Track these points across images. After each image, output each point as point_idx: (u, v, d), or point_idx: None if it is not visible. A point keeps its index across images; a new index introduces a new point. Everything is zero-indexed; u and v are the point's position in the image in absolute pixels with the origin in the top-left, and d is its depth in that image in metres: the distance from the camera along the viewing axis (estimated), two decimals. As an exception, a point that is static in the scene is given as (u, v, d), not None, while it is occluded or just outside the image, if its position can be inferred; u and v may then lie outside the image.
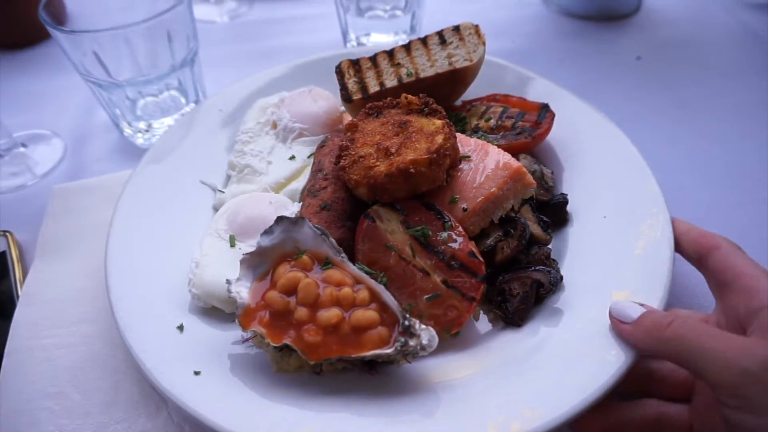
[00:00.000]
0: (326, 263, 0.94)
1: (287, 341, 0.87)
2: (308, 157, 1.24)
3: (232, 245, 1.05)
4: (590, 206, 1.12)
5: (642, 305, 0.88)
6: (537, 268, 0.99)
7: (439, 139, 1.00)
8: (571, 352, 0.89)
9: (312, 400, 0.87)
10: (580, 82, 1.65)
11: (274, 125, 1.30)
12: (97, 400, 0.94)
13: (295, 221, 0.96)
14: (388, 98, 1.12)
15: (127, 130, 1.46)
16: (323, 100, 1.31)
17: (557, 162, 1.21)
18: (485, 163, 1.06)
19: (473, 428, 0.81)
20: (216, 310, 1.00)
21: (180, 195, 1.18)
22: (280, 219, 0.96)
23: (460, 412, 0.84)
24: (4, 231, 1.23)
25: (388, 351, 0.86)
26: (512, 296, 0.97)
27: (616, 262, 1.00)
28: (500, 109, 1.25)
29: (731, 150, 1.44)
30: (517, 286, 0.98)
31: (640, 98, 1.61)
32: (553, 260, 1.03)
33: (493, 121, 1.22)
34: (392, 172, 0.98)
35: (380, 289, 0.91)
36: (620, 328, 0.87)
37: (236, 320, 0.91)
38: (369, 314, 0.88)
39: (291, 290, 0.91)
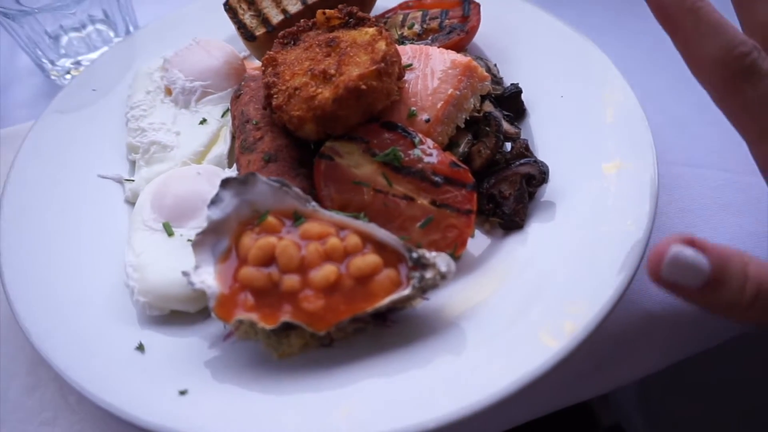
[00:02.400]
0: (297, 218, 0.78)
1: (286, 318, 0.71)
2: (222, 116, 1.05)
3: (170, 234, 0.85)
4: (543, 91, 1.04)
5: (697, 248, 0.53)
6: (521, 162, 0.90)
7: (381, 45, 0.86)
8: (587, 238, 0.82)
9: (332, 378, 0.72)
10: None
11: (168, 91, 1.08)
12: (24, 359, 0.81)
13: (245, 180, 0.78)
14: (302, 20, 0.96)
15: (54, 73, 1.25)
16: (217, 49, 1.11)
17: (493, 55, 1.12)
18: (431, 66, 0.94)
19: (522, 343, 0.71)
20: (175, 314, 0.81)
21: (78, 194, 0.95)
22: (227, 182, 0.78)
23: (497, 333, 0.74)
24: None
25: (406, 292, 0.73)
26: (505, 198, 0.88)
27: (591, 135, 0.94)
28: (419, 13, 1.13)
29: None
30: (506, 186, 0.89)
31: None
32: (531, 151, 0.95)
33: (417, 26, 1.10)
34: (341, 95, 0.83)
35: (370, 227, 0.77)
36: (711, 305, 0.54)
37: (212, 315, 0.73)
38: (369, 258, 0.74)
39: (267, 260, 0.74)
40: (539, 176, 0.88)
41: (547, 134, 0.99)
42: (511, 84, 1.03)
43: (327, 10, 0.94)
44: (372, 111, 0.86)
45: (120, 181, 0.99)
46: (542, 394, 0.86)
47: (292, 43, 0.95)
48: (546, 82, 1.04)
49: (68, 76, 1.25)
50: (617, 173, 0.87)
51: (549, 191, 0.92)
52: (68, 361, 0.72)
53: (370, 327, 0.77)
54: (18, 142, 1.07)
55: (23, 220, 0.89)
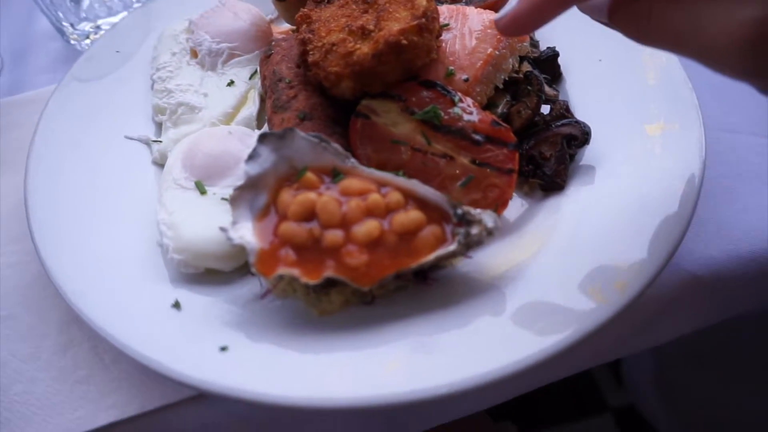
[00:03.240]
0: (336, 174, 0.76)
1: (329, 274, 0.69)
2: (249, 78, 1.02)
3: (203, 192, 0.83)
4: (580, 54, 1.01)
5: None
6: (562, 122, 0.87)
7: (422, 1, 0.84)
8: (632, 199, 0.79)
9: (374, 335, 0.71)
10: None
11: (194, 53, 1.06)
12: (54, 319, 0.79)
13: (283, 135, 0.76)
14: (335, -22, 0.93)
15: (73, 37, 1.22)
16: (244, 11, 1.08)
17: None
18: (469, 26, 0.92)
19: (573, 301, 0.69)
20: (210, 273, 0.79)
21: (105, 155, 0.93)
22: (264, 137, 0.76)
23: (545, 292, 0.72)
24: None
25: (452, 248, 0.71)
26: (545, 159, 0.86)
27: (632, 97, 0.92)
28: (451, -25, 1.10)
29: None
30: (547, 147, 0.86)
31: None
32: (570, 113, 0.92)
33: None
34: (380, 50, 0.80)
35: (412, 184, 0.75)
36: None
37: (252, 270, 0.71)
38: (412, 214, 0.72)
39: (308, 215, 0.72)
40: (581, 137, 0.86)
41: (585, 97, 0.96)
42: (548, 47, 1.01)
43: (362, -33, 0.91)
44: (412, 68, 0.84)
45: (147, 142, 0.96)
46: (582, 353, 0.84)
47: (326, 1, 0.92)
48: (583, 45, 1.01)
49: (88, 41, 1.23)
50: (662, 134, 0.85)
51: (588, 154, 0.89)
52: (105, 319, 0.70)
53: (410, 285, 0.76)
54: (36, 106, 1.06)
55: (51, 182, 0.87)
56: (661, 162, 0.82)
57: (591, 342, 0.66)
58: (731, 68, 0.53)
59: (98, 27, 1.22)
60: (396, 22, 0.82)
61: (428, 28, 0.83)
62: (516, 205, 0.86)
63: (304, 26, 0.88)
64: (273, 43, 0.97)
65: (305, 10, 0.90)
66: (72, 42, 1.24)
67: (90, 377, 0.75)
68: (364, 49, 0.81)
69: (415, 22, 0.81)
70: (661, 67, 0.93)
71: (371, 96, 0.85)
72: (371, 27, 0.83)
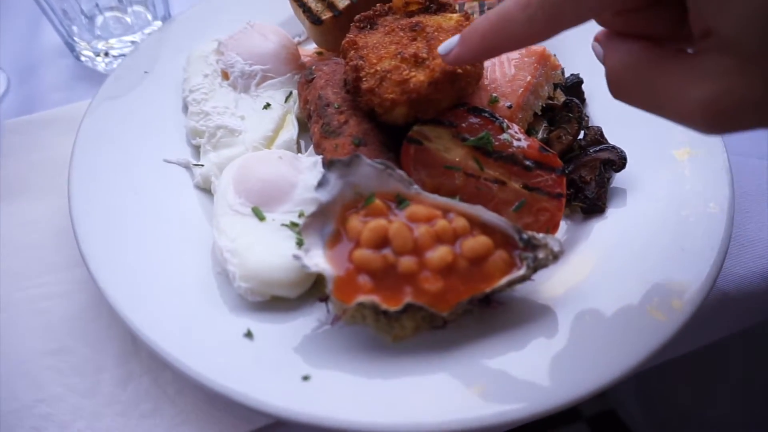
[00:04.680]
0: (400, 201, 0.78)
1: (408, 300, 0.71)
2: (285, 101, 1.02)
3: (261, 218, 0.82)
4: (601, 80, 1.06)
5: None
6: (599, 148, 0.92)
7: (472, 30, 0.87)
8: (671, 221, 0.85)
9: (451, 359, 0.72)
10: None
11: (225, 75, 1.05)
12: (110, 352, 0.77)
13: (349, 162, 0.77)
14: (377, 5, 0.95)
15: (86, 53, 1.18)
16: (273, 34, 1.08)
17: (549, 46, 1.14)
18: (506, 54, 0.96)
19: (633, 321, 0.73)
20: (275, 300, 0.78)
21: (147, 180, 0.91)
22: (333, 163, 0.76)
23: (605, 312, 0.76)
24: None
25: (522, 272, 0.74)
26: (586, 183, 0.90)
27: (656, 123, 0.96)
28: (476, 3, 1.14)
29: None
30: (587, 172, 0.91)
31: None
32: (603, 138, 0.97)
33: (476, 16, 1.11)
34: (436, 78, 0.83)
35: (476, 210, 0.77)
36: None
37: (330, 298, 0.71)
38: (481, 239, 0.75)
39: (381, 242, 0.74)
40: (618, 161, 0.91)
41: (610, 123, 1.01)
42: (571, 74, 1.06)
43: (406, -5, 0.93)
44: (464, 95, 0.87)
45: (187, 165, 0.95)
46: None
47: (369, 27, 0.93)
48: (603, 72, 1.07)
49: (99, 59, 1.19)
50: (689, 159, 0.91)
51: (620, 177, 0.94)
52: (180, 351, 0.69)
53: (476, 309, 0.78)
54: (60, 125, 1.03)
55: (97, 209, 0.84)
56: (693, 185, 0.88)
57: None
58: (702, 132, 0.57)
59: (111, 46, 1.19)
60: (449, 52, 0.85)
61: (479, 57, 0.86)
62: (563, 230, 0.90)
63: (353, 52, 0.90)
64: (313, 67, 0.98)
65: (351, 36, 0.92)
66: (82, 59, 1.20)
67: (155, 410, 0.73)
68: (420, 77, 0.84)
69: (469, 53, 0.84)
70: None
71: (422, 122, 0.87)
72: (424, 55, 0.86)
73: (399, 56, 0.86)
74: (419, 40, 0.89)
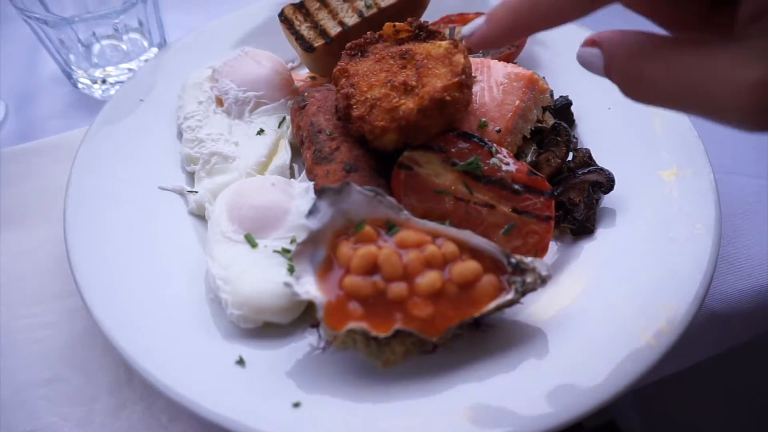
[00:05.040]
0: (391, 227, 0.79)
1: (398, 326, 0.71)
2: (278, 126, 1.04)
3: (254, 245, 0.84)
4: (590, 102, 1.09)
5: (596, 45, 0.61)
6: (587, 170, 0.94)
7: (460, 58, 0.89)
8: (659, 242, 0.86)
9: (441, 383, 0.73)
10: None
11: (219, 101, 1.07)
12: (104, 381, 0.78)
13: (340, 190, 0.78)
14: (368, 33, 0.97)
15: (83, 80, 1.20)
16: (266, 60, 1.10)
17: (538, 69, 1.16)
18: (495, 79, 0.97)
19: (622, 342, 0.74)
20: (267, 327, 0.79)
21: (142, 207, 0.92)
22: (323, 191, 0.78)
23: (595, 335, 0.77)
24: None
25: (510, 296, 0.75)
26: (575, 205, 0.91)
27: (644, 143, 0.99)
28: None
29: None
30: (576, 194, 0.92)
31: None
32: (591, 160, 0.99)
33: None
34: (426, 106, 0.84)
35: (465, 234, 0.79)
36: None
37: (321, 324, 0.72)
38: (470, 265, 0.76)
39: (371, 269, 0.75)
40: (606, 183, 0.92)
41: (599, 144, 1.03)
42: (560, 96, 1.08)
43: (396, 23, 0.95)
44: (452, 121, 0.88)
45: (182, 192, 0.96)
46: None
47: (359, 54, 0.95)
48: (591, 94, 1.08)
49: (96, 86, 1.21)
50: (677, 180, 0.93)
51: (609, 198, 0.96)
52: (173, 379, 0.70)
53: (466, 332, 0.79)
54: (57, 153, 1.05)
55: (92, 237, 0.86)
56: (680, 206, 0.89)
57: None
58: (743, 126, 0.53)
59: (108, 74, 1.21)
60: (437, 79, 0.87)
61: (467, 84, 0.88)
62: (552, 251, 0.91)
63: (344, 80, 0.91)
64: (306, 93, 1.00)
65: (342, 64, 0.93)
66: (80, 87, 1.22)
67: (149, 439, 0.74)
68: (409, 104, 0.85)
69: (456, 79, 0.86)
70: (666, 115, 1.01)
71: (413, 148, 0.89)
72: (413, 83, 0.87)
73: (389, 84, 0.88)
74: (409, 68, 0.90)
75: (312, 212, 0.77)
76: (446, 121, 0.87)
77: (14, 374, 0.77)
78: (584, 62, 0.64)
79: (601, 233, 0.92)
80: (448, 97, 0.85)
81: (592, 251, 0.89)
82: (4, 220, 0.94)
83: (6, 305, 0.84)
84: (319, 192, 0.78)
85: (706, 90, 0.51)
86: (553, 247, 0.92)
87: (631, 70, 0.57)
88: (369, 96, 0.88)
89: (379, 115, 0.86)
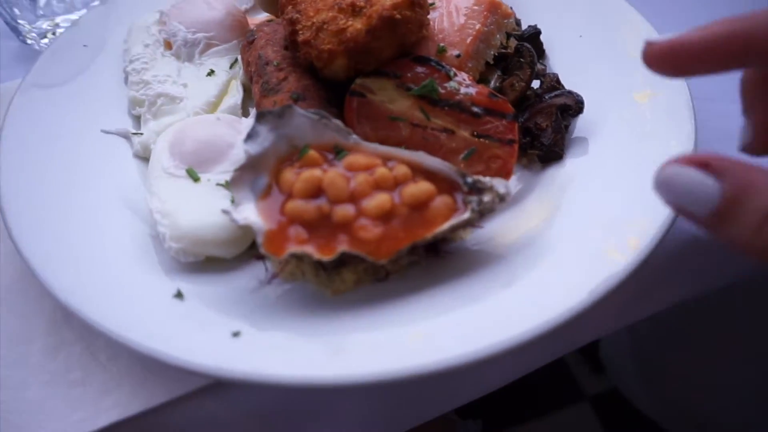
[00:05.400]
0: (339, 151, 0.74)
1: (343, 248, 0.66)
2: (230, 67, 0.99)
3: (196, 179, 0.79)
4: (560, 31, 1.03)
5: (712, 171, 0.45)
6: (555, 93, 0.88)
7: (411, -25, 0.83)
8: (631, 161, 0.80)
9: (389, 312, 0.68)
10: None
11: (168, 45, 1.01)
12: (40, 322, 0.74)
13: (281, 113, 0.73)
14: (317, -40, 0.91)
15: (31, 35, 1.15)
16: (218, 2, 1.05)
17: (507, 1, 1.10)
18: (455, 3, 0.92)
19: (589, 261, 0.69)
20: (210, 261, 0.74)
21: (82, 150, 0.87)
22: (262, 115, 0.73)
23: (560, 254, 0.71)
24: None
25: (466, 216, 0.69)
26: (542, 130, 0.86)
27: (617, 68, 0.93)
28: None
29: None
30: (542, 118, 0.87)
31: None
32: (560, 85, 0.93)
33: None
34: (374, 25, 0.79)
35: (418, 156, 0.73)
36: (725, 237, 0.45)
37: (261, 251, 0.67)
38: (422, 185, 0.71)
39: (315, 192, 0.70)
40: (575, 106, 0.87)
41: (569, 71, 0.97)
42: (529, 26, 1.02)
43: (345, -53, 0.89)
44: (405, 43, 0.83)
45: (126, 135, 0.91)
46: (590, 321, 0.84)
47: (309, -17, 0.90)
48: (562, 23, 1.03)
49: (45, 40, 1.16)
50: (650, 101, 0.87)
51: (581, 125, 0.90)
52: (103, 315, 0.65)
53: (423, 260, 0.74)
54: (3, 102, 0.99)
55: (25, 179, 0.81)
56: (654, 126, 0.83)
57: (598, 309, 0.66)
58: None
59: (57, 25, 1.16)
60: (386, -2, 0.81)
61: (419, 2, 0.82)
62: (516, 178, 0.85)
63: (290, 7, 0.86)
64: (254, 29, 0.94)
65: (290, -9, 0.88)
66: (29, 42, 1.17)
67: (86, 378, 0.69)
68: (357, 25, 0.80)
69: (405, -3, 0.80)
70: (641, 39, 0.95)
71: (365, 74, 0.83)
72: (362, 3, 0.81)
73: (336, 7, 0.82)
74: (357, -10, 0.85)
75: (251, 136, 0.72)
76: (398, 42, 0.82)
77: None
78: (678, 192, 0.46)
79: (572, 160, 0.86)
80: (398, 16, 0.79)
81: (560, 176, 0.84)
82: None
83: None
84: (258, 116, 0.73)
85: None
86: (521, 175, 0.87)
87: (746, 221, 0.43)
88: (315, 20, 0.82)
89: (325, 38, 0.81)
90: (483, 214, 0.70)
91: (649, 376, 1.72)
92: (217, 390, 0.69)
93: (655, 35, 0.92)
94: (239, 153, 0.81)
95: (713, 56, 0.49)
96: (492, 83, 0.90)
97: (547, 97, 0.88)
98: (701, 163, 0.45)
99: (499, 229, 0.78)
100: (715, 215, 0.44)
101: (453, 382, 0.81)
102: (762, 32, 0.47)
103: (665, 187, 0.47)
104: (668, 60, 0.51)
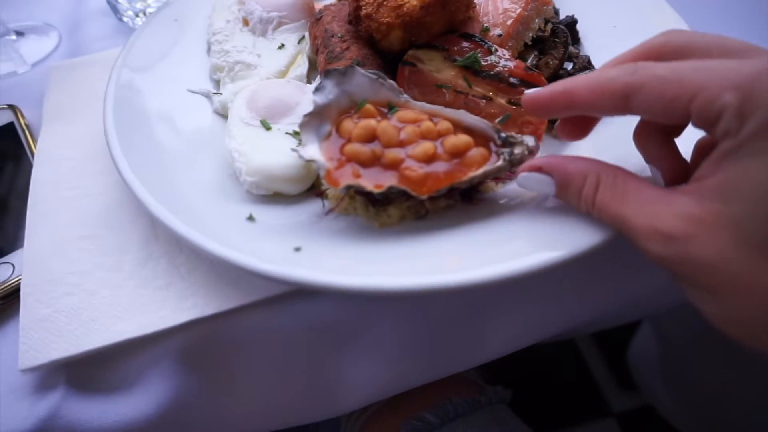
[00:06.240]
0: (391, 108, 0.86)
1: (392, 183, 0.78)
2: (298, 42, 1.13)
3: (268, 128, 0.92)
4: (596, 21, 1.13)
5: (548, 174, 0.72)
6: (584, 73, 0.98)
7: (462, -37, 0.95)
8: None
9: (428, 244, 0.79)
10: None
11: (245, 22, 1.16)
12: (134, 238, 0.87)
13: (344, 72, 0.86)
14: (381, -49, 1.04)
15: (127, 13, 1.33)
16: (290, -14, 1.19)
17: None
18: (499, -9, 1.03)
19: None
20: (277, 196, 0.87)
21: (174, 105, 1.02)
22: (329, 72, 0.85)
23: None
24: (10, 105, 1.13)
25: (499, 164, 0.80)
26: (572, 104, 0.96)
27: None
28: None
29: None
30: (573, 94, 0.97)
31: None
32: (591, 67, 1.03)
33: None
34: (428, 2, 0.91)
35: (459, 114, 0.85)
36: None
37: (322, 182, 0.80)
38: (462, 137, 0.82)
39: (370, 138, 0.82)
40: (603, 83, 0.96)
41: (602, 55, 1.07)
42: (567, 15, 1.12)
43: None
44: (454, 20, 0.94)
45: (208, 95, 1.06)
46: (596, 288, 0.92)
47: (372, -31, 1.03)
48: (598, 13, 1.13)
49: (138, 19, 1.33)
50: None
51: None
52: (188, 229, 0.78)
53: (458, 204, 0.85)
54: (100, 66, 1.15)
55: (128, 125, 0.94)
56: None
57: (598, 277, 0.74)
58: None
59: (148, 5, 1.33)
60: (441, -21, 0.93)
61: (468, -15, 0.94)
62: (546, 146, 0.95)
63: (355, -12, 0.99)
64: (322, 8, 1.08)
65: (355, -26, 1.01)
66: (125, 20, 1.34)
67: (169, 285, 0.82)
68: (413, 2, 0.92)
69: (458, -22, 0.92)
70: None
71: (417, 47, 0.95)
72: (418, -15, 0.94)
73: (395, -13, 0.95)
74: (415, -27, 0.97)
75: (318, 89, 0.85)
76: (448, 19, 0.94)
77: (55, 232, 0.87)
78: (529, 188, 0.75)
79: (597, 131, 0.96)
80: (448, -6, 0.91)
81: (584, 146, 0.93)
82: (46, 117, 1.05)
83: (49, 182, 0.94)
84: (326, 73, 0.85)
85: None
86: (551, 144, 0.97)
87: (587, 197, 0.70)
88: (378, -3, 0.95)
89: (385, 12, 0.93)
90: (513, 163, 0.81)
91: (678, 384, 1.73)
92: (278, 302, 0.81)
93: (684, 26, 1.02)
94: (305, 109, 0.94)
95: (554, 108, 0.72)
96: (529, 61, 1.01)
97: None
98: (536, 168, 0.73)
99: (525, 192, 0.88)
100: (557, 195, 0.73)
101: (480, 334, 0.90)
102: (580, 90, 0.68)
103: (524, 185, 0.75)
104: (528, 108, 0.74)
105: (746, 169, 0.53)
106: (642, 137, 0.74)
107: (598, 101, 0.66)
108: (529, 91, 0.73)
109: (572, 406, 2.24)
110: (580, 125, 0.81)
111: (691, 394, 1.66)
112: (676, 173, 0.70)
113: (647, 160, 0.74)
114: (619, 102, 0.63)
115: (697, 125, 0.59)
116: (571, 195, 0.70)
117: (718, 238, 0.54)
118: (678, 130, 0.72)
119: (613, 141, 0.89)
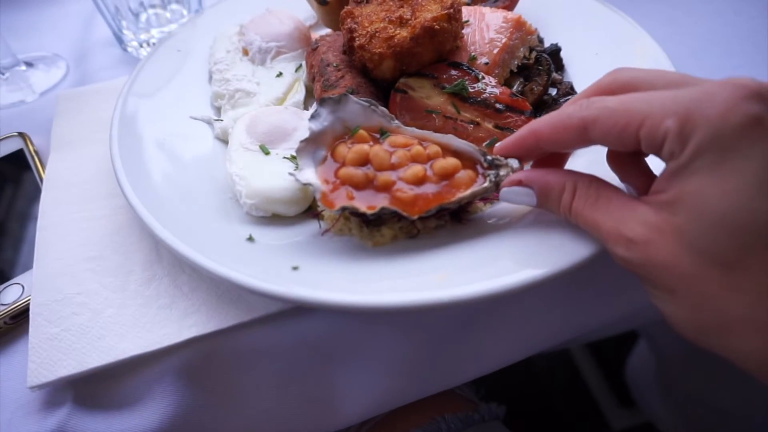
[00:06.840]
0: (383, 133, 0.91)
1: (384, 205, 0.82)
2: (295, 71, 1.18)
3: (267, 153, 0.97)
4: (579, 48, 1.18)
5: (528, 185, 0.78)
6: (567, 98, 1.03)
7: (450, -4, 1.01)
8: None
9: (419, 262, 0.83)
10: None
11: (245, 51, 1.22)
12: (138, 259, 0.92)
13: (338, 100, 0.91)
14: (373, -17, 1.10)
15: (132, 44, 1.39)
16: (288, 18, 1.25)
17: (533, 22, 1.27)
18: (486, 22, 1.09)
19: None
20: (276, 217, 0.92)
21: (176, 131, 1.07)
22: (324, 100, 0.90)
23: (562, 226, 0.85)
24: (20, 132, 1.18)
25: (485, 185, 0.85)
26: (556, 128, 1.01)
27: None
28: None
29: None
30: (557, 118, 1.02)
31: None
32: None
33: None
34: (417, 34, 0.96)
35: (447, 138, 0.89)
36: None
37: (318, 204, 0.84)
38: (450, 160, 0.86)
39: (363, 162, 0.86)
40: (585, 108, 1.02)
41: (584, 82, 1.12)
42: (551, 43, 1.18)
43: (396, -26, 1.08)
44: (442, 50, 1.00)
45: (209, 121, 1.11)
46: (590, 300, 0.96)
47: (365, 1, 1.09)
48: (581, 42, 1.19)
49: (142, 49, 1.39)
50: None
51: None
52: (190, 250, 0.82)
53: (448, 224, 0.89)
54: (107, 94, 1.21)
55: (133, 152, 0.98)
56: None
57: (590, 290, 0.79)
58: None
59: (152, 36, 1.39)
60: (429, 12, 0.99)
61: (455, 17, 1.00)
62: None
63: (349, 20, 1.05)
64: (318, 39, 1.13)
65: (348, 8, 1.07)
66: (129, 50, 1.40)
67: (172, 303, 0.86)
68: (404, 33, 0.98)
69: (445, 11, 0.98)
70: (651, 59, 1.09)
71: (408, 75, 1.00)
72: (408, 16, 1.00)
73: (387, 19, 1.01)
74: (405, 7, 1.03)
75: (314, 116, 0.89)
76: (436, 49, 0.99)
77: (64, 252, 0.91)
78: (512, 201, 0.81)
79: (581, 153, 1.00)
80: (437, 26, 0.96)
81: (567, 167, 0.98)
82: (54, 144, 1.10)
83: (57, 205, 0.98)
84: (321, 101, 0.90)
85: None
86: (536, 166, 1.01)
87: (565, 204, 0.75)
88: (369, 29, 1.01)
89: (377, 44, 0.99)
90: (499, 185, 0.85)
91: (673, 398, 1.75)
92: (277, 319, 0.85)
93: (664, 57, 1.07)
94: (301, 135, 0.99)
95: (524, 148, 0.79)
96: (515, 88, 1.06)
97: (561, 101, 1.03)
98: (517, 182, 0.78)
99: (512, 209, 0.92)
100: (538, 205, 0.78)
101: (474, 348, 0.94)
102: (543, 129, 0.74)
103: (507, 198, 0.81)
104: (503, 154, 0.83)
105: (689, 186, 0.60)
106: (614, 161, 0.79)
107: (561, 136, 0.71)
108: (497, 144, 0.82)
109: (569, 423, 2.25)
110: (555, 164, 0.86)
111: (690, 410, 1.68)
112: (648, 189, 0.75)
113: (621, 179, 0.79)
114: (579, 135, 0.68)
115: (646, 150, 0.64)
116: (552, 203, 0.75)
117: (671, 243, 0.60)
118: (644, 152, 0.76)
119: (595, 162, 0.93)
